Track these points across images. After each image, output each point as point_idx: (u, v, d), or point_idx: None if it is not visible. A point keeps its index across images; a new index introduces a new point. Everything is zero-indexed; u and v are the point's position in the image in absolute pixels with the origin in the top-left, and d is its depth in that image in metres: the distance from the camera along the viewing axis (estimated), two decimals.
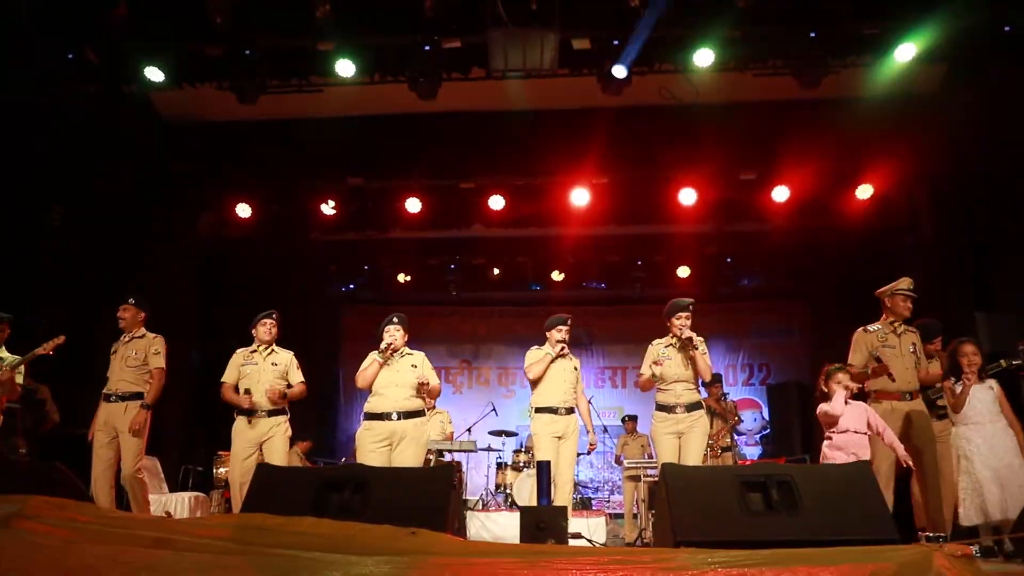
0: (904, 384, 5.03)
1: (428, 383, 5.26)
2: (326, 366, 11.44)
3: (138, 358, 5.46)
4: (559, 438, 5.54)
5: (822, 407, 4.88)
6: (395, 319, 5.35)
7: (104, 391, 5.46)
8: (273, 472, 3.20)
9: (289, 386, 5.58)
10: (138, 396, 5.40)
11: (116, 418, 5.34)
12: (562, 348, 5.69)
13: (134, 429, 5.27)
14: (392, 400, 5.13)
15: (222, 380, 5.56)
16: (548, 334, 5.76)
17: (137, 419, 5.30)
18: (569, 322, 5.78)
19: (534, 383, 5.71)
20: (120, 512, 4.19)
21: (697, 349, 5.26)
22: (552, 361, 5.65)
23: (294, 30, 6.57)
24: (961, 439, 4.52)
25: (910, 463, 4.68)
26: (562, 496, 5.40)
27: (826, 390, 4.96)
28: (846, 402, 4.81)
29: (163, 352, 5.54)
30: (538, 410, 5.64)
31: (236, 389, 5.48)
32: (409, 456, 5.06)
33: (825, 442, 4.93)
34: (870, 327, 5.27)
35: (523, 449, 8.99)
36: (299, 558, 2.31)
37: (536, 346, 5.83)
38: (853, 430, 4.79)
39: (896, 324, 5.19)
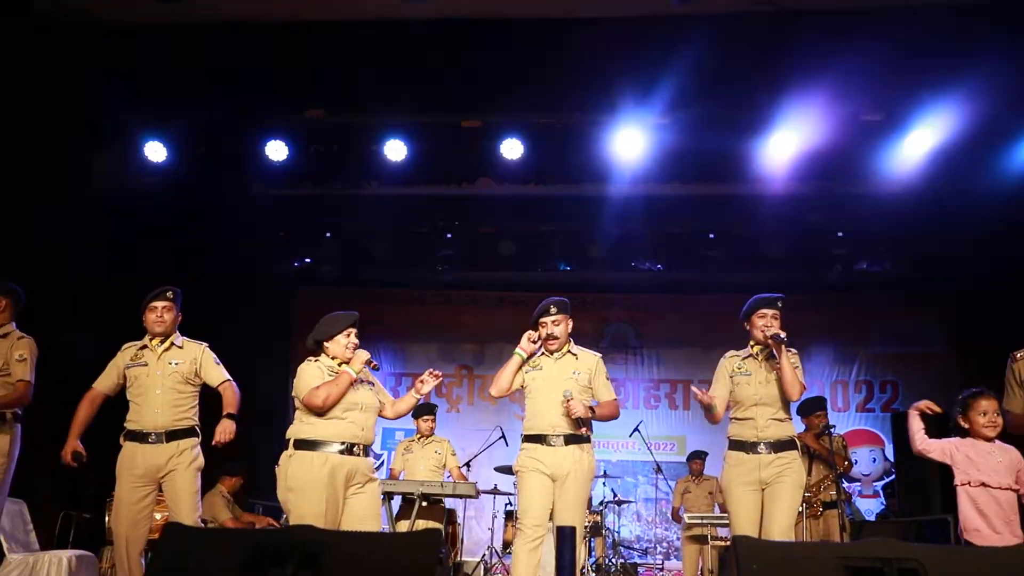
0: None
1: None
2: (271, 368, 11.38)
3: None
4: (551, 478, 5.33)
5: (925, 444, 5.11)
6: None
7: None
8: (185, 534, 3.17)
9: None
10: None
11: None
12: (543, 344, 5.55)
13: None
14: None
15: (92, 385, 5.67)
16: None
17: None
18: (555, 310, 5.53)
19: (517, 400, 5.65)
20: None
21: (787, 353, 5.23)
22: (520, 366, 5.58)
23: None
24: None
25: None
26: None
27: (965, 426, 4.97)
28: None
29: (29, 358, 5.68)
30: (525, 439, 5.55)
31: (105, 399, 5.61)
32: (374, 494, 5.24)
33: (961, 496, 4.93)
34: (1017, 353, 5.21)
35: None
36: None
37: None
38: (994, 485, 4.78)
39: None
